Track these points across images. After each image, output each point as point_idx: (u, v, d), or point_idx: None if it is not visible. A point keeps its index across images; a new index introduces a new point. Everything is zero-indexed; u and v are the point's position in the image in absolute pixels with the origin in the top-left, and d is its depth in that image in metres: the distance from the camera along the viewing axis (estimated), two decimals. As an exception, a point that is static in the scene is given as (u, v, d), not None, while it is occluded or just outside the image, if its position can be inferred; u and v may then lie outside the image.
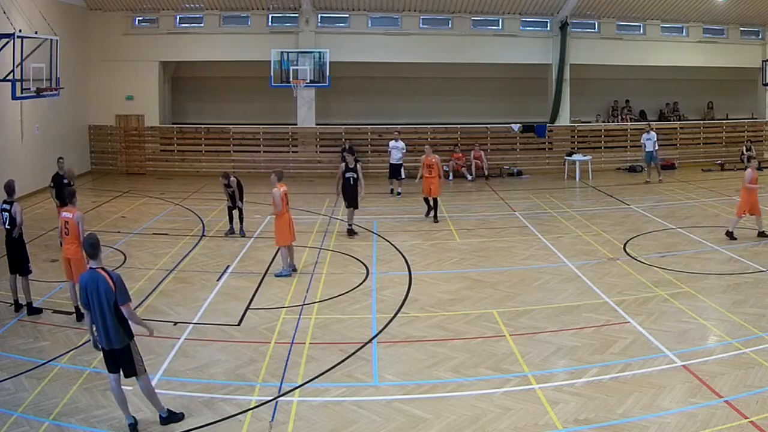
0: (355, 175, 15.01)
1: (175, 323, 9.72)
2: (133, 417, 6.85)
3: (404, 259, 13.03)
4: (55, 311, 10.13)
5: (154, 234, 15.10)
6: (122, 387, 6.89)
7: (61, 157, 14.86)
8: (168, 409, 6.97)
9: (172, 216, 17.20)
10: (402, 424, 6.98)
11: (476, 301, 10.71)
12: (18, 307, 10.14)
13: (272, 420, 7.08)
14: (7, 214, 10.12)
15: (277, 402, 7.40)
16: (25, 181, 18.97)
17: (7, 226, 10.13)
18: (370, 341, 9.09)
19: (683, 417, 6.91)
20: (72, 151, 21.52)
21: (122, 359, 6.74)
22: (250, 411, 7.25)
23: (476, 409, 7.26)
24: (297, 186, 21.98)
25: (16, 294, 10.17)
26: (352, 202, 14.97)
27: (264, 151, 24.15)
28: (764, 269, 11.95)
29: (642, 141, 22.41)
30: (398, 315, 10.07)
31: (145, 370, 6.95)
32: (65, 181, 13.95)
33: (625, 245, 13.85)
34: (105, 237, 14.25)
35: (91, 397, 7.48)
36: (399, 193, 19.88)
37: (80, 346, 8.84)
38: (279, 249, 12.18)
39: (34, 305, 10.11)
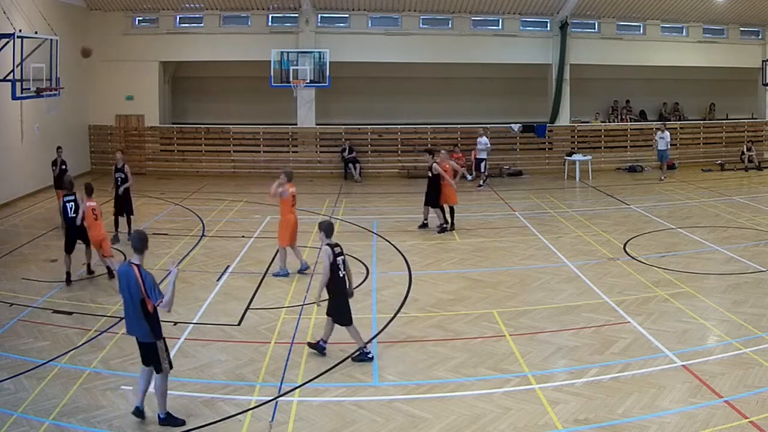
0: (430, 174, 15.18)
1: (175, 323, 9.71)
2: (142, 405, 7.00)
3: (404, 259, 13.03)
4: (55, 311, 10.14)
5: (154, 234, 15.07)
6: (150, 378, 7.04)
7: (59, 147, 16.70)
8: (168, 412, 6.97)
9: (172, 216, 17.19)
10: (402, 424, 6.98)
11: (476, 301, 10.71)
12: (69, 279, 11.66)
13: (272, 420, 7.08)
14: (72, 203, 11.81)
15: (277, 402, 7.40)
16: (25, 181, 19.02)
17: (72, 214, 11.73)
18: (370, 341, 9.08)
19: (683, 417, 6.91)
20: (72, 151, 21.50)
21: (147, 352, 6.90)
22: (250, 411, 7.25)
23: (476, 409, 7.26)
24: (297, 186, 21.96)
25: (69, 267, 11.75)
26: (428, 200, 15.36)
27: (264, 151, 24.15)
28: (764, 269, 11.95)
29: (655, 139, 22.48)
30: (398, 315, 10.07)
31: (168, 370, 6.96)
32: (63, 167, 16.14)
33: (625, 245, 13.85)
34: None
35: (91, 397, 7.48)
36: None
37: (80, 346, 8.85)
38: (278, 249, 12.16)
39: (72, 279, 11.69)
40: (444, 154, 15.85)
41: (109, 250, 12.03)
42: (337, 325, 8.56)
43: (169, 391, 7.52)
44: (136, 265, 6.79)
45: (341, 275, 8.41)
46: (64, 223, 12.01)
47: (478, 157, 22.11)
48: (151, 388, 7.05)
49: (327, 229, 8.51)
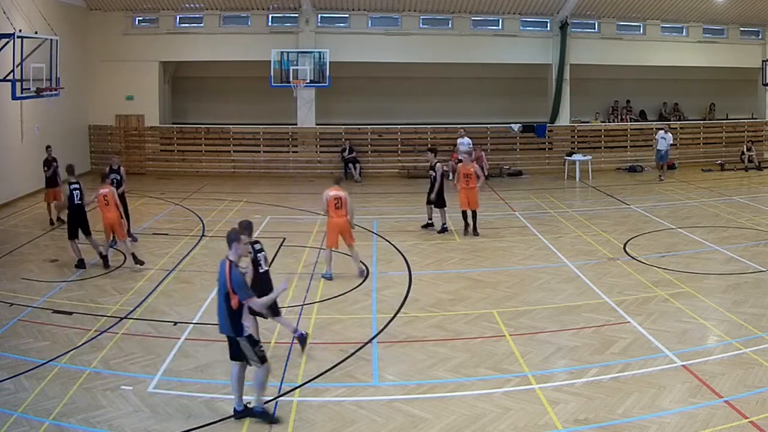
0: (434, 174, 15.09)
1: (175, 323, 9.72)
2: (244, 405, 7.06)
3: (404, 259, 13.03)
4: (55, 311, 10.14)
5: (154, 234, 15.09)
6: (243, 376, 7.12)
7: (48, 146, 16.71)
8: (264, 407, 7.03)
9: (172, 216, 17.19)
10: (402, 424, 6.98)
11: (476, 301, 10.71)
12: (82, 263, 12.41)
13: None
14: (78, 191, 12.56)
15: (277, 402, 7.40)
16: (24, 181, 19.01)
17: (78, 201, 12.51)
18: (370, 341, 9.09)
19: (683, 417, 6.91)
20: (72, 151, 21.50)
21: (230, 345, 7.05)
22: (250, 411, 7.24)
23: (476, 409, 7.26)
24: (297, 186, 22.04)
25: (80, 253, 12.51)
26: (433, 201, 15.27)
27: (264, 151, 24.15)
28: (764, 269, 11.95)
29: (656, 138, 22.50)
30: (398, 315, 10.07)
31: (260, 364, 6.97)
32: (55, 164, 16.22)
33: (625, 245, 13.85)
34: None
35: (91, 397, 7.48)
36: None
37: (80, 346, 8.85)
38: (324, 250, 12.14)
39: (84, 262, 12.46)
40: (467, 158, 15.35)
41: (124, 234, 12.72)
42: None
43: (169, 392, 7.57)
44: (229, 261, 6.91)
45: (261, 271, 8.61)
46: (69, 209, 12.65)
47: (459, 158, 21.73)
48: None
49: (247, 227, 8.70)
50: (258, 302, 6.94)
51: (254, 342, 6.98)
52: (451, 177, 22.05)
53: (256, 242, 8.71)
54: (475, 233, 14.84)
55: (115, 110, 23.97)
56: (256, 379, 7.03)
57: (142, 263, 12.44)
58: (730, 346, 8.64)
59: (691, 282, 11.34)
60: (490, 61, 24.46)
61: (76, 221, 12.57)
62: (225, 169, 24.09)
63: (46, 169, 16.13)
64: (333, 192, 11.82)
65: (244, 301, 6.84)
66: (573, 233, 15.05)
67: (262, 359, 6.96)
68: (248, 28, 23.86)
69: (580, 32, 24.81)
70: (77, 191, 12.59)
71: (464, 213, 14.98)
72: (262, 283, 8.55)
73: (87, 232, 12.65)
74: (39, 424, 6.90)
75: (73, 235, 12.53)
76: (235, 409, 7.07)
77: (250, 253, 8.43)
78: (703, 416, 6.91)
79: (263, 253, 8.68)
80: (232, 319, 6.89)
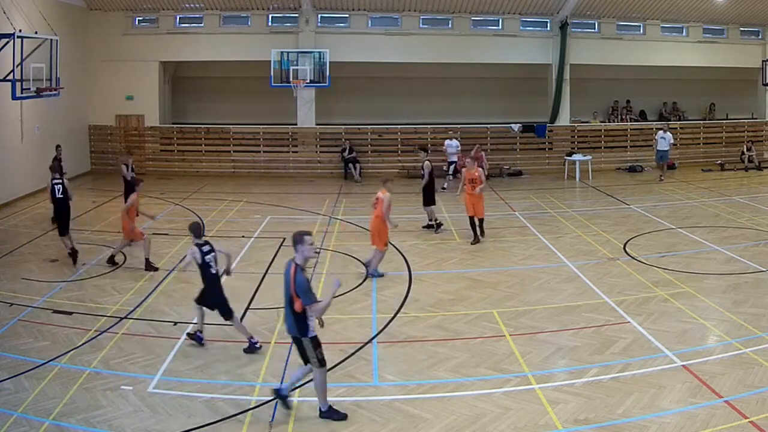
0: (422, 172, 15.21)
1: (175, 323, 9.72)
2: (284, 390, 7.21)
3: (404, 259, 13.03)
4: (55, 311, 10.14)
5: (154, 234, 15.06)
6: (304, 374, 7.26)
7: (58, 145, 17.54)
8: (330, 406, 7.07)
9: (172, 216, 17.19)
10: (402, 424, 6.98)
11: (476, 301, 10.71)
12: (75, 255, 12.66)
13: (272, 420, 7.08)
14: (60, 185, 12.77)
15: (277, 402, 7.40)
16: (25, 181, 19.02)
17: (59, 195, 12.72)
18: (370, 341, 9.09)
19: (683, 417, 6.91)
20: (72, 151, 21.52)
21: (298, 347, 7.11)
22: (250, 411, 7.25)
23: (476, 409, 7.26)
24: (297, 186, 22.04)
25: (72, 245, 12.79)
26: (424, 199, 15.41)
27: (264, 151, 24.16)
28: (764, 269, 11.95)
29: (656, 139, 22.49)
30: (398, 315, 10.07)
31: (318, 366, 7.00)
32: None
33: (625, 245, 13.85)
34: (105, 237, 14.32)
35: (91, 397, 7.48)
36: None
37: (80, 346, 8.85)
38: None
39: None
40: (470, 162, 14.80)
41: (129, 234, 12.47)
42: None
43: (169, 392, 7.57)
44: (295, 264, 6.92)
45: (213, 272, 8.72)
46: (53, 204, 12.95)
47: (449, 160, 21.40)
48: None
49: (194, 229, 8.92)
50: (318, 308, 6.92)
51: (317, 344, 7.02)
52: (451, 177, 22.11)
53: (206, 243, 8.83)
54: (477, 240, 14.25)
55: (115, 110, 23.98)
56: (316, 384, 7.09)
57: (156, 269, 12.24)
58: (730, 346, 8.64)
59: (691, 282, 11.34)
60: (490, 61, 24.46)
61: (62, 216, 12.79)
62: (225, 169, 24.09)
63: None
64: (378, 193, 12.04)
65: (307, 306, 6.84)
66: (573, 233, 15.05)
67: (321, 362, 7.00)
68: (248, 28, 23.87)
69: (580, 32, 24.82)
70: (59, 185, 12.80)
71: (471, 219, 14.47)
72: (212, 285, 8.74)
73: (62, 232, 12.83)
74: (39, 424, 6.90)
75: (63, 232, 12.76)
76: (319, 409, 7.11)
77: (198, 256, 8.62)
78: (703, 416, 6.91)
79: (213, 254, 8.81)
80: (297, 320, 6.92)
